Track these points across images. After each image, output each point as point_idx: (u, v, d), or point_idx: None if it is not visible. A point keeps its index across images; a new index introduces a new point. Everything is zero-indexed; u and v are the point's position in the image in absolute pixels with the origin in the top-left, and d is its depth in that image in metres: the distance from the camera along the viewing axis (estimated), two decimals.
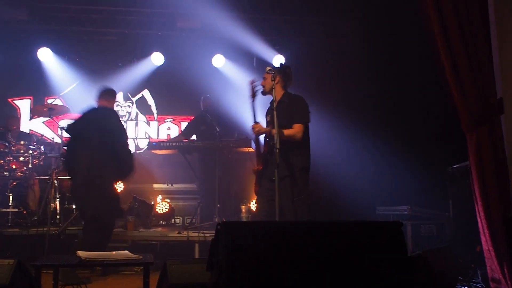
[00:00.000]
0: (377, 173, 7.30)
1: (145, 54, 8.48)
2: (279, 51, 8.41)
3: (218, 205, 6.37)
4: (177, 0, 7.47)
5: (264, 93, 4.74)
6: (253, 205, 7.11)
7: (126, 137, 5.39)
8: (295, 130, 4.43)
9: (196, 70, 8.20)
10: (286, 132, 4.35)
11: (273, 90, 4.44)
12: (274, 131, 4.17)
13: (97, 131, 5.08)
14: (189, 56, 8.32)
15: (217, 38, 8.29)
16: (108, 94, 5.39)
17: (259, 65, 8.42)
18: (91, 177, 4.97)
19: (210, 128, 6.70)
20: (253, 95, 4.74)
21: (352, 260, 2.41)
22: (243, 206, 6.69)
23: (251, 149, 6.61)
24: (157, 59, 8.42)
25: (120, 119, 5.46)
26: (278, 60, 8.32)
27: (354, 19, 7.89)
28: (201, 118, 7.13)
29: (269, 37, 8.35)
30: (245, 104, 7.90)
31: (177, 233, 6.00)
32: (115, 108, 5.65)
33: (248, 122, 7.78)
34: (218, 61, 8.50)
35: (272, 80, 4.43)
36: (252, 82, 4.74)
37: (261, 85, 4.76)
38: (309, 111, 4.61)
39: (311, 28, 8.49)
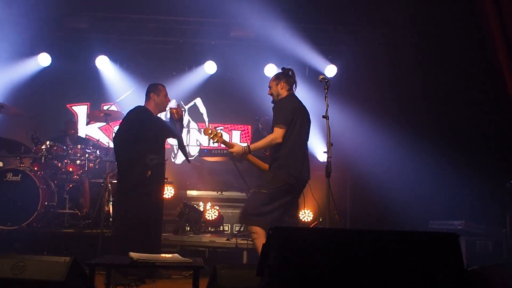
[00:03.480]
0: (431, 186, 7.12)
1: (199, 62, 8.62)
2: (332, 61, 8.37)
3: None
4: (231, 9, 7.55)
5: (274, 101, 4.78)
6: (301, 215, 7.07)
7: (126, 136, 4.94)
8: (272, 135, 4.42)
9: (248, 79, 8.25)
10: (261, 143, 4.45)
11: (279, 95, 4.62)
12: (252, 146, 4.41)
13: (117, 131, 5.14)
14: (241, 65, 8.40)
15: (269, 47, 8.33)
16: (146, 92, 5.22)
17: (311, 74, 8.39)
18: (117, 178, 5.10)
19: None
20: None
21: (405, 270, 2.34)
22: None
23: None
24: (210, 67, 8.53)
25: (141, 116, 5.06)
26: (330, 70, 8.26)
27: (409, 29, 7.75)
28: (260, 135, 7.18)
29: (322, 47, 8.32)
30: None
31: (226, 240, 6.03)
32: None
33: None
34: (270, 70, 8.52)
35: (276, 86, 4.60)
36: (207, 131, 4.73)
37: (269, 94, 4.80)
38: (288, 112, 4.50)
39: (365, 38, 8.40)
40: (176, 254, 3.71)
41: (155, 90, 5.13)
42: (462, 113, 7.33)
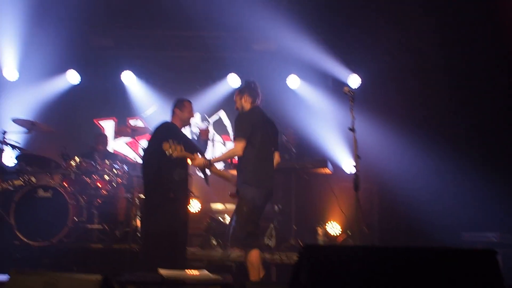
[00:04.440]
0: (462, 195, 6.99)
1: (222, 75, 8.67)
2: (355, 70, 8.31)
3: (295, 227, 6.32)
4: (253, 23, 7.59)
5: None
6: (329, 227, 7.01)
7: (154, 152, 4.96)
8: (232, 149, 4.49)
9: (271, 91, 8.17)
10: (222, 156, 4.62)
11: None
12: (213, 159, 4.51)
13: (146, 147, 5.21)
14: (264, 78, 8.31)
15: (292, 59, 8.34)
16: (174, 106, 5.28)
17: (335, 85, 8.36)
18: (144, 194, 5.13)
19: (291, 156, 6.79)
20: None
21: None
22: (319, 228, 6.60)
23: (328, 171, 6.54)
24: (233, 80, 8.57)
25: (167, 131, 5.10)
26: (354, 80, 8.21)
27: (432, 35, 7.67)
28: (284, 147, 7.18)
29: (344, 56, 8.28)
30: (322, 124, 7.94)
31: None
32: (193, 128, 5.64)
33: (324, 143, 7.83)
34: (293, 82, 8.52)
35: (240, 100, 4.68)
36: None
37: (235, 109, 4.85)
38: (247, 125, 4.50)
39: (387, 46, 8.34)
40: (204, 271, 3.72)
41: (180, 106, 5.20)
42: (492, 121, 7.19)
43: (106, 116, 8.94)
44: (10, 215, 6.01)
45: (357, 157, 4.05)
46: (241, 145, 4.41)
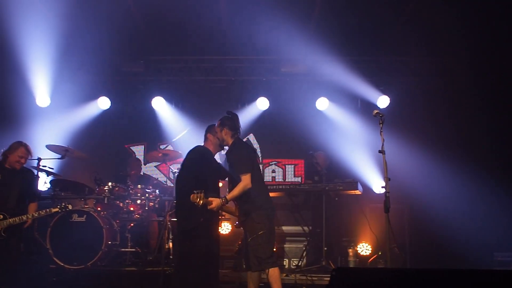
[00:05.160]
0: (493, 215, 6.89)
1: (251, 99, 8.74)
2: (384, 91, 8.30)
3: (325, 248, 6.30)
4: (282, 46, 7.70)
5: (223, 146, 5.12)
6: (360, 249, 6.96)
7: (188, 177, 5.16)
8: (242, 183, 4.64)
9: (300, 113, 8.32)
10: (236, 192, 4.64)
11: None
12: (228, 197, 4.63)
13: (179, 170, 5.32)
14: (293, 100, 8.47)
15: (321, 81, 8.39)
16: (206, 131, 5.38)
17: (363, 106, 8.37)
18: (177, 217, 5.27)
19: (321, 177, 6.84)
20: None
21: None
22: (350, 250, 6.56)
23: (358, 192, 6.52)
24: (262, 104, 8.63)
25: (204, 158, 5.25)
26: (383, 101, 8.20)
27: (462, 56, 7.63)
28: (314, 169, 7.23)
29: (373, 78, 8.30)
30: (351, 145, 7.93)
31: (285, 276, 5.98)
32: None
33: (354, 164, 7.81)
34: (322, 104, 8.54)
35: (221, 132, 4.92)
36: None
37: (216, 138, 5.10)
38: (246, 159, 4.76)
39: (416, 67, 8.34)
40: None
41: (212, 131, 5.29)
42: None
43: (137, 142, 9.11)
44: (46, 239, 6.17)
45: (387, 179, 4.05)
46: (248, 178, 4.65)
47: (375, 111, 4.51)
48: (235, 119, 5.00)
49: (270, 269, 4.60)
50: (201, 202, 4.49)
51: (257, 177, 4.82)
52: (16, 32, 7.03)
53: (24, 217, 5.40)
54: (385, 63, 8.41)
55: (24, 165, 5.81)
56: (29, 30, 7.05)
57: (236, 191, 4.65)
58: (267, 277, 4.64)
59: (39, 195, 6.23)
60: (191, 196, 4.50)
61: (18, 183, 5.59)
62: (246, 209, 4.75)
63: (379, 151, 4.35)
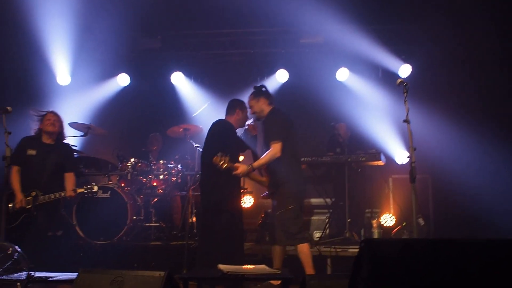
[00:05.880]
0: None
1: (270, 72, 8.66)
2: (406, 60, 8.13)
3: (349, 220, 6.29)
4: (300, 17, 7.56)
5: (259, 118, 4.97)
6: (383, 220, 6.94)
7: (212, 150, 4.95)
8: (271, 151, 4.56)
9: (320, 85, 8.21)
10: (264, 160, 4.56)
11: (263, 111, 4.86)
12: (255, 164, 4.56)
13: (203, 145, 5.29)
14: (313, 71, 8.36)
15: (340, 51, 8.23)
16: (227, 107, 5.32)
17: (384, 76, 8.23)
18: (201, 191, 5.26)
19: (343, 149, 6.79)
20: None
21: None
22: (373, 221, 6.54)
23: (381, 163, 6.47)
24: (281, 76, 8.55)
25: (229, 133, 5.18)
26: (404, 69, 8.04)
27: (486, 23, 7.42)
28: (336, 141, 7.17)
29: (394, 47, 8.12)
30: (372, 116, 7.83)
31: None
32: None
33: (375, 134, 7.73)
34: (342, 74, 8.43)
35: (258, 103, 4.85)
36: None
37: (252, 113, 5.00)
38: (279, 126, 4.69)
39: (438, 34, 8.12)
40: (263, 265, 3.76)
41: (242, 107, 5.26)
42: None
43: (158, 117, 9.10)
44: (72, 216, 6.27)
45: (412, 149, 3.98)
46: (279, 146, 4.57)
47: (399, 80, 4.41)
48: (267, 90, 4.99)
49: (300, 245, 4.58)
50: (225, 165, 4.43)
51: (291, 149, 4.71)
52: (36, 13, 7.04)
53: (52, 196, 5.39)
54: (406, 32, 8.21)
55: (62, 140, 5.82)
56: (48, 9, 7.05)
57: (264, 159, 4.57)
58: (298, 253, 4.61)
59: (77, 169, 6.11)
60: (214, 158, 4.45)
61: (53, 158, 5.56)
62: (276, 180, 4.70)
63: (404, 121, 4.25)
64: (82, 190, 5.48)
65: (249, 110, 5.12)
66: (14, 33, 7.48)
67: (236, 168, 4.55)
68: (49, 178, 5.49)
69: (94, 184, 5.61)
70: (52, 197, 5.38)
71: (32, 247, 4.97)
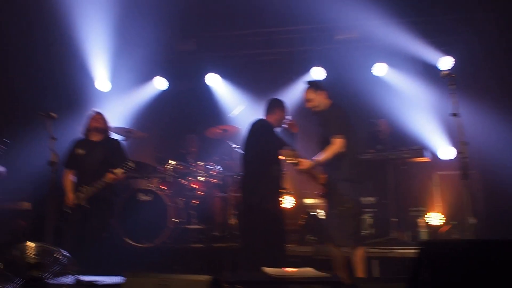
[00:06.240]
0: None
1: (306, 70, 8.53)
2: (447, 52, 7.87)
3: (395, 219, 6.11)
4: (334, 13, 7.42)
5: (316, 112, 4.77)
6: (430, 218, 6.71)
7: (253, 150, 5.07)
8: (335, 146, 4.39)
9: (357, 81, 8.05)
10: (327, 155, 4.37)
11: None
12: (318, 159, 4.37)
13: (243, 144, 5.22)
14: (349, 68, 8.21)
15: (377, 46, 8.08)
16: (267, 106, 5.31)
17: (425, 69, 8.00)
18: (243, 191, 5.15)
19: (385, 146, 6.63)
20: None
21: None
22: (420, 220, 6.32)
23: (426, 159, 6.27)
24: (317, 73, 8.42)
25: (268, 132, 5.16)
26: (446, 62, 7.78)
27: None
28: (376, 137, 7.01)
29: (433, 39, 7.87)
30: (414, 110, 7.62)
31: None
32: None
33: (417, 130, 7.51)
34: (380, 69, 8.25)
35: (318, 96, 4.68)
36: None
37: (309, 106, 4.77)
38: (342, 121, 4.53)
39: (480, 24, 7.84)
40: (310, 268, 3.66)
41: (282, 106, 5.25)
42: None
43: (195, 119, 9.09)
44: (115, 218, 6.30)
45: (463, 143, 3.82)
46: (342, 142, 4.41)
47: (444, 72, 4.25)
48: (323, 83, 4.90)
49: (357, 248, 4.44)
50: (291, 160, 4.35)
51: (351, 146, 4.55)
52: (75, 20, 7.16)
53: (96, 185, 5.39)
54: (445, 22, 7.94)
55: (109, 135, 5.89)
56: (87, 16, 7.18)
57: (327, 154, 4.41)
58: (350, 256, 4.46)
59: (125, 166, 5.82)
60: (284, 151, 4.38)
61: (99, 154, 5.61)
62: (334, 178, 4.56)
63: (452, 114, 4.08)
64: (120, 170, 5.41)
65: (285, 109, 5.03)
66: (55, 40, 7.60)
67: (300, 163, 4.42)
68: (98, 173, 5.47)
69: (129, 161, 5.54)
70: (98, 185, 5.38)
71: (85, 248, 5.06)
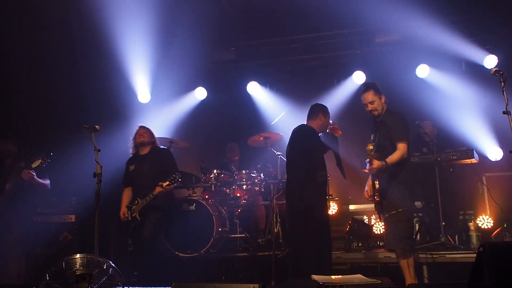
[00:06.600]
0: None
1: (347, 74, 8.46)
2: (491, 50, 7.63)
3: (443, 223, 5.93)
4: (373, 15, 7.32)
5: (375, 115, 4.75)
6: (480, 222, 6.49)
7: (298, 157, 5.03)
8: (401, 151, 4.43)
9: (399, 83, 7.87)
10: (395, 158, 4.39)
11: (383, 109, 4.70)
12: (389, 160, 4.37)
13: (288, 151, 5.19)
14: (390, 70, 8.06)
15: (418, 47, 7.94)
16: (310, 112, 5.31)
17: (468, 68, 7.79)
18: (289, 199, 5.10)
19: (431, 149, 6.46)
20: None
21: None
22: (470, 224, 6.11)
23: (474, 160, 6.08)
24: (358, 77, 8.31)
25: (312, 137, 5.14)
26: (490, 60, 7.53)
27: None
28: (422, 140, 6.85)
29: (476, 37, 7.65)
30: (458, 112, 7.41)
31: None
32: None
33: (463, 131, 7.29)
34: (422, 71, 8.06)
35: (380, 99, 4.69)
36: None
37: (371, 109, 4.73)
38: (407, 127, 4.61)
39: None
40: (359, 275, 3.59)
41: (325, 112, 5.24)
42: None
43: (236, 128, 9.12)
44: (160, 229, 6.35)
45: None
46: (406, 147, 4.48)
47: (494, 69, 4.13)
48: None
49: (409, 254, 4.41)
50: (370, 156, 4.37)
51: (410, 152, 4.65)
52: (117, 36, 7.29)
53: (147, 197, 5.54)
54: (488, 20, 7.71)
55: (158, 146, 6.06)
56: (127, 31, 7.30)
57: (395, 157, 4.43)
58: (399, 260, 4.44)
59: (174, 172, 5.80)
60: (368, 145, 4.40)
61: (147, 166, 5.79)
62: (388, 181, 4.54)
63: (504, 112, 3.94)
64: (167, 182, 5.50)
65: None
66: (98, 55, 7.78)
67: (372, 162, 4.41)
68: (148, 186, 5.62)
69: (177, 172, 5.62)
70: (147, 198, 5.54)
71: (134, 260, 5.11)
